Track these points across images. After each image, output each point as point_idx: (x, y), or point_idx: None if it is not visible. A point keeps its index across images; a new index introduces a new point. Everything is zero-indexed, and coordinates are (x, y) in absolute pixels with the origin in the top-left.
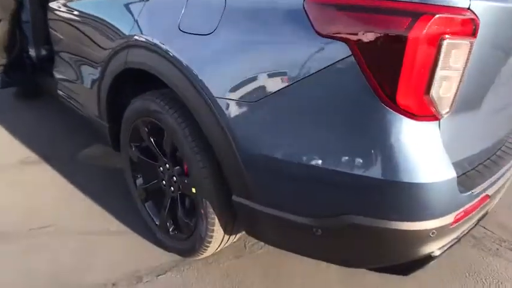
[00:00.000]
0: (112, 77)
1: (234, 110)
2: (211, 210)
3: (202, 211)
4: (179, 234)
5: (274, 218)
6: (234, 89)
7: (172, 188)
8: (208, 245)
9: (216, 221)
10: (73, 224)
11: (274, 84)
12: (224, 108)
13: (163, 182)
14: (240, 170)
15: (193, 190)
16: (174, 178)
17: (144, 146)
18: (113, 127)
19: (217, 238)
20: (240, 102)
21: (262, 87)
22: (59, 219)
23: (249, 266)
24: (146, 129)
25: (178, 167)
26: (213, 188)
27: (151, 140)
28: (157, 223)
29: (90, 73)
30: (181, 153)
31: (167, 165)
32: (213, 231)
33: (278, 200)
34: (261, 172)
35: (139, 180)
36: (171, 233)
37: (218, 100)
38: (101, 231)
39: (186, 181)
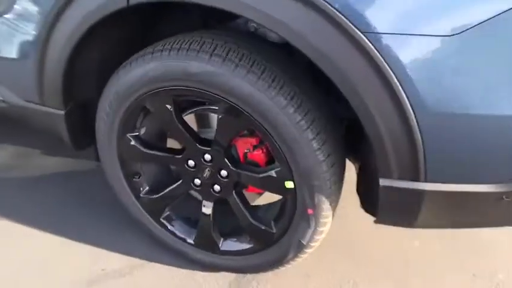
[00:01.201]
0: (84, 28)
1: (408, 49)
2: (327, 206)
3: (310, 211)
4: (240, 246)
5: (449, 195)
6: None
7: (218, 188)
8: (307, 251)
9: (330, 220)
10: None
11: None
12: (390, 47)
13: (197, 181)
14: (413, 141)
15: (289, 185)
16: (224, 172)
17: (149, 135)
18: (73, 114)
19: (320, 240)
20: (421, 37)
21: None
22: None
23: None
24: (169, 106)
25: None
26: (337, 178)
27: (180, 121)
28: (191, 241)
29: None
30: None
31: (209, 156)
32: (321, 233)
33: (459, 172)
34: (444, 139)
35: (143, 187)
36: (222, 248)
37: (375, 36)
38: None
39: (266, 174)
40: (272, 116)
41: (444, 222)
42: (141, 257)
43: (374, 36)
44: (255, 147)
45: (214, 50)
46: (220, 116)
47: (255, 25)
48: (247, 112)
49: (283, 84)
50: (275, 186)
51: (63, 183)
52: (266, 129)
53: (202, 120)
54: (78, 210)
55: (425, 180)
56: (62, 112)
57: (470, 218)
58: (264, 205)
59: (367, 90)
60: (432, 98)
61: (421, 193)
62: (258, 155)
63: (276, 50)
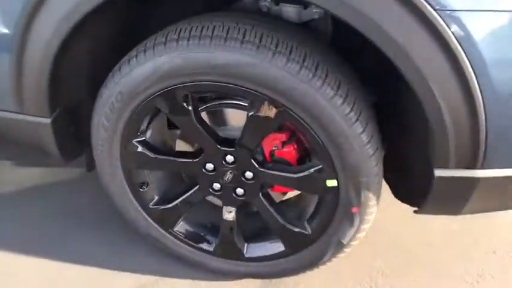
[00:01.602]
0: (76, 17)
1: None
2: (373, 203)
3: (355, 209)
4: (268, 251)
5: (502, 180)
6: None
7: (241, 191)
8: (346, 251)
9: (373, 216)
10: None
11: None
12: (463, 25)
13: (216, 186)
14: (477, 127)
15: (331, 184)
16: (249, 174)
17: (154, 138)
18: (60, 122)
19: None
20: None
21: None
22: None
23: None
24: (187, 104)
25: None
26: (378, 170)
27: (199, 121)
28: (209, 249)
29: None
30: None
31: (231, 157)
32: (364, 230)
33: None
34: (508, 124)
35: (152, 197)
36: (247, 255)
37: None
38: None
39: (305, 173)
40: (318, 110)
41: (490, 207)
42: (153, 274)
43: (446, 13)
44: (283, 143)
45: (244, 36)
46: (251, 113)
47: (267, 3)
48: (286, 107)
49: (327, 72)
50: (315, 185)
51: (44, 199)
52: (308, 125)
53: (216, 117)
54: (69, 230)
55: (482, 168)
56: (48, 120)
57: None
58: (291, 203)
59: (435, 74)
60: (501, 80)
61: (475, 180)
62: (289, 152)
63: (305, 32)
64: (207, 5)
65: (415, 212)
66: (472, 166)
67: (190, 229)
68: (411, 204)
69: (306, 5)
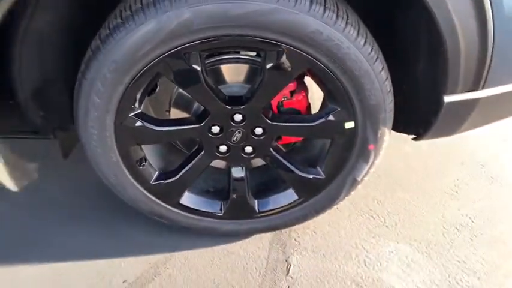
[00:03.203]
0: None
1: None
2: (387, 136)
3: (371, 146)
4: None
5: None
6: None
7: (250, 149)
8: (358, 186)
9: (382, 150)
10: None
11: None
12: None
13: (222, 148)
14: (485, 49)
15: (349, 125)
16: (259, 130)
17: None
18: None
19: None
20: None
21: None
22: None
23: None
24: (197, 66)
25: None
26: (393, 104)
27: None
28: (219, 214)
29: None
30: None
31: (240, 116)
32: (375, 165)
33: None
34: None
35: (152, 173)
36: (260, 210)
37: None
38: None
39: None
40: (342, 52)
41: (480, 124)
42: (164, 251)
43: None
44: (292, 93)
45: None
46: (269, 66)
47: None
48: (308, 53)
49: (347, 13)
50: (332, 130)
51: (30, 192)
52: (331, 70)
53: (214, 75)
54: (66, 221)
55: (482, 88)
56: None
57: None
58: (297, 149)
59: None
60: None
61: (475, 102)
62: (299, 101)
63: None
64: None
65: (413, 139)
66: (475, 88)
67: (195, 197)
68: (409, 133)
69: None
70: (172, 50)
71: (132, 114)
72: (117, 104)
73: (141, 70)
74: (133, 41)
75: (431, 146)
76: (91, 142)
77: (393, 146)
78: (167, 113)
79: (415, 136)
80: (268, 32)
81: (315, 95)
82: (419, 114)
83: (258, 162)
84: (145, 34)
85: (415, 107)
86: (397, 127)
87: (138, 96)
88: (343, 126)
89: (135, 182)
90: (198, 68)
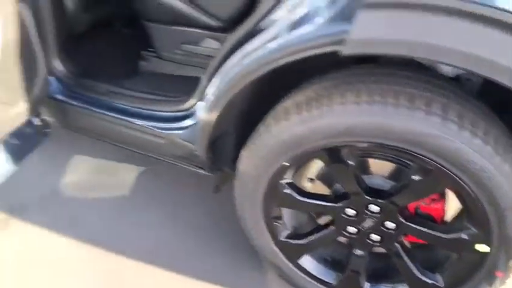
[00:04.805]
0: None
1: None
2: None
3: (500, 274)
4: None
5: None
6: None
7: (377, 238)
8: None
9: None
10: None
11: None
12: None
13: (351, 229)
14: None
15: (482, 249)
16: (391, 225)
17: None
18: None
19: None
20: None
21: None
22: None
23: None
24: (351, 161)
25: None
26: None
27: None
28: (331, 283)
29: None
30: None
31: (377, 207)
32: None
33: None
34: None
35: (283, 231)
36: None
37: None
38: None
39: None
40: (493, 183)
41: None
42: None
43: None
44: (432, 200)
45: (447, 113)
46: (416, 178)
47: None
48: (458, 177)
49: (505, 146)
50: (462, 247)
51: (156, 205)
52: (477, 196)
53: (362, 164)
54: (185, 241)
55: None
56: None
57: None
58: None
59: None
60: None
61: None
62: (437, 210)
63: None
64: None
65: None
66: None
67: (313, 262)
68: None
69: None
70: (335, 144)
71: (283, 181)
72: (274, 171)
73: (303, 152)
74: (304, 130)
75: None
76: (244, 190)
77: None
78: (309, 181)
79: None
80: (425, 151)
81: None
82: None
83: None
84: (317, 127)
85: None
86: None
87: (293, 169)
88: (475, 248)
89: (267, 233)
90: (350, 162)
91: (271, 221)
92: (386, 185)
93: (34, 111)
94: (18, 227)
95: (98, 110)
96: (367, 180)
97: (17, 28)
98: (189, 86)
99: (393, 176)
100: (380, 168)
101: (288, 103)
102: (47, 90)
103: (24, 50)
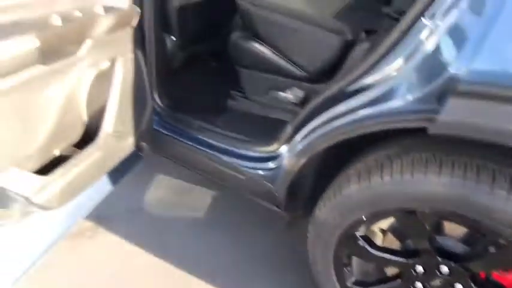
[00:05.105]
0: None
1: None
2: None
3: None
4: None
5: None
6: None
7: None
8: None
9: None
10: None
11: None
12: None
13: (418, 285)
14: None
15: None
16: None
17: None
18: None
19: None
20: None
21: None
22: None
23: None
24: (427, 226)
25: None
26: None
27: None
28: None
29: None
30: None
31: (447, 269)
32: None
33: None
34: None
35: (351, 277)
36: None
37: None
38: None
39: None
40: None
41: None
42: None
43: None
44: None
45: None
46: (488, 247)
47: None
48: None
49: None
50: None
51: (234, 226)
52: None
53: (435, 225)
54: (253, 267)
55: None
56: None
57: None
58: None
59: None
60: None
61: None
62: (508, 280)
63: None
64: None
65: None
66: None
67: None
68: None
69: None
70: (413, 208)
71: (358, 234)
72: (350, 223)
73: (384, 210)
74: (384, 191)
75: None
76: (318, 235)
77: None
78: (381, 232)
79: None
80: (501, 225)
81: None
82: None
83: None
84: (395, 191)
85: None
86: None
87: (368, 223)
88: None
89: (334, 277)
90: (428, 227)
91: (341, 267)
92: (457, 247)
93: (140, 142)
94: (105, 237)
95: (188, 143)
96: (440, 240)
97: (133, 68)
98: (272, 128)
99: (468, 240)
100: (454, 230)
101: (370, 161)
102: (152, 124)
103: (136, 88)
